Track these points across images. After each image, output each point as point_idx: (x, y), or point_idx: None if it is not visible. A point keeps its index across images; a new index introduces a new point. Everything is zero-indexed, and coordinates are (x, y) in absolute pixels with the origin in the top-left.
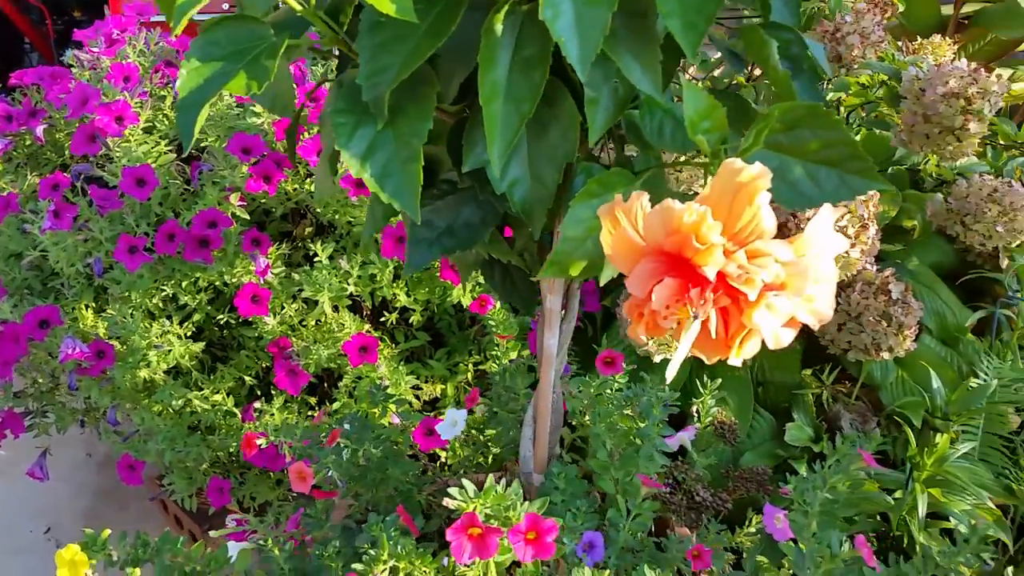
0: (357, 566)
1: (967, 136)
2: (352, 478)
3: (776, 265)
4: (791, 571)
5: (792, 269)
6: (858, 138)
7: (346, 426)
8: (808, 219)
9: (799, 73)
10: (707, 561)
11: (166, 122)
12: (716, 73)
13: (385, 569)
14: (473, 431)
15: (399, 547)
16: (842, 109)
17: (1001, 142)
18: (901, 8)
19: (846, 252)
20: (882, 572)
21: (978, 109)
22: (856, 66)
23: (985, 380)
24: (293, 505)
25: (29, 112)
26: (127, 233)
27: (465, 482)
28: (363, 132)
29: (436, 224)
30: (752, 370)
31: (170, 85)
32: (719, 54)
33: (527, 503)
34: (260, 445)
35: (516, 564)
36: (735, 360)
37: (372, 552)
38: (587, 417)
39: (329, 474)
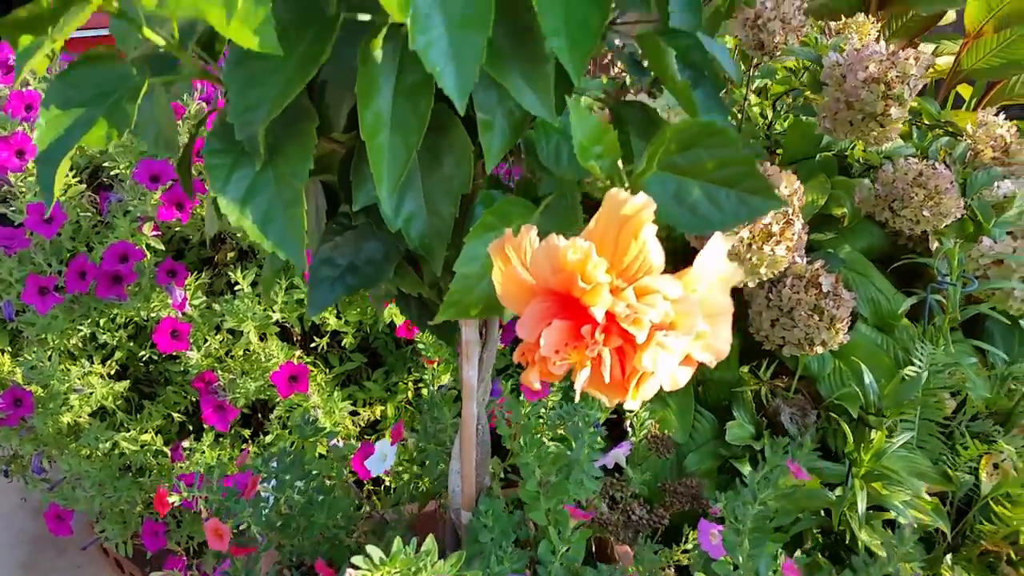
0: None
1: (889, 121)
2: (274, 528)
3: (665, 303)
4: None
5: (681, 307)
6: (786, 124)
7: (273, 464)
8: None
9: (700, 81)
10: None
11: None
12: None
13: None
14: (405, 462)
15: None
16: (768, 96)
17: (926, 122)
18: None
19: (771, 250)
20: None
21: (898, 93)
22: (779, 52)
23: (919, 367)
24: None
25: None
26: (36, 273)
27: (370, 548)
28: (240, 174)
29: (337, 261)
30: None
31: None
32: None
33: (442, 561)
34: (173, 503)
35: None
36: (633, 404)
37: None
38: (516, 437)
39: (249, 527)
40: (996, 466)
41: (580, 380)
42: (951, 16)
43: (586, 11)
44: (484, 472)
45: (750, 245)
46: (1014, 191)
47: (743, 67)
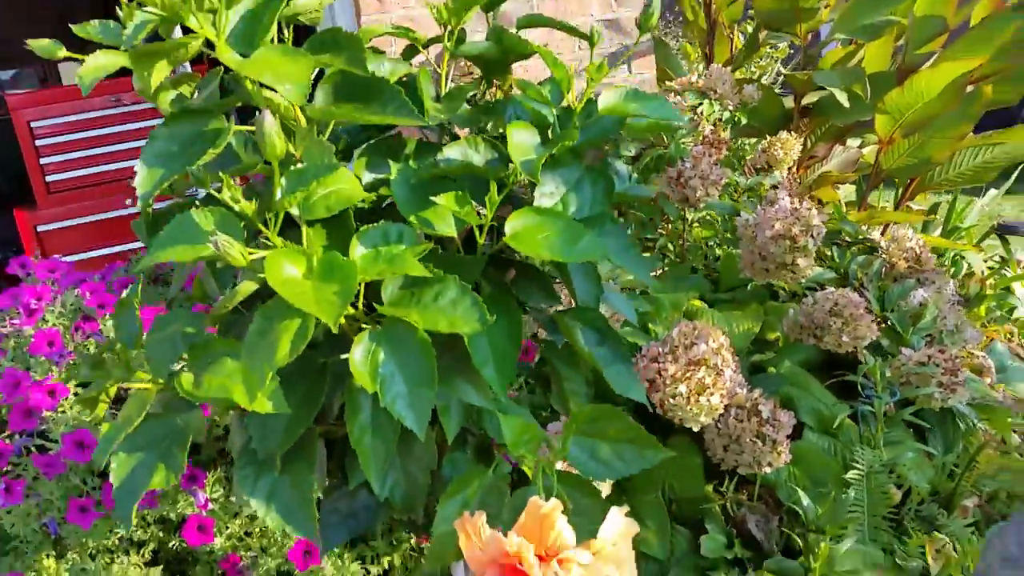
0: None
1: (798, 270)
2: None
3: (578, 568)
4: None
5: (590, 570)
6: (720, 255)
7: None
8: None
9: (605, 340)
10: None
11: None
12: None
13: None
14: None
15: None
16: (695, 235)
17: (846, 239)
18: (744, 122)
19: (707, 400)
20: None
21: (803, 245)
22: (702, 205)
23: (861, 470)
24: None
25: None
26: (74, 495)
27: None
28: (264, 480)
29: (341, 509)
30: (663, 491)
31: (92, 338)
32: None
33: None
34: None
35: None
36: None
37: None
38: None
39: None
40: (938, 551)
41: None
42: None
43: (504, 346)
44: None
45: (688, 399)
46: (927, 298)
47: (680, 209)
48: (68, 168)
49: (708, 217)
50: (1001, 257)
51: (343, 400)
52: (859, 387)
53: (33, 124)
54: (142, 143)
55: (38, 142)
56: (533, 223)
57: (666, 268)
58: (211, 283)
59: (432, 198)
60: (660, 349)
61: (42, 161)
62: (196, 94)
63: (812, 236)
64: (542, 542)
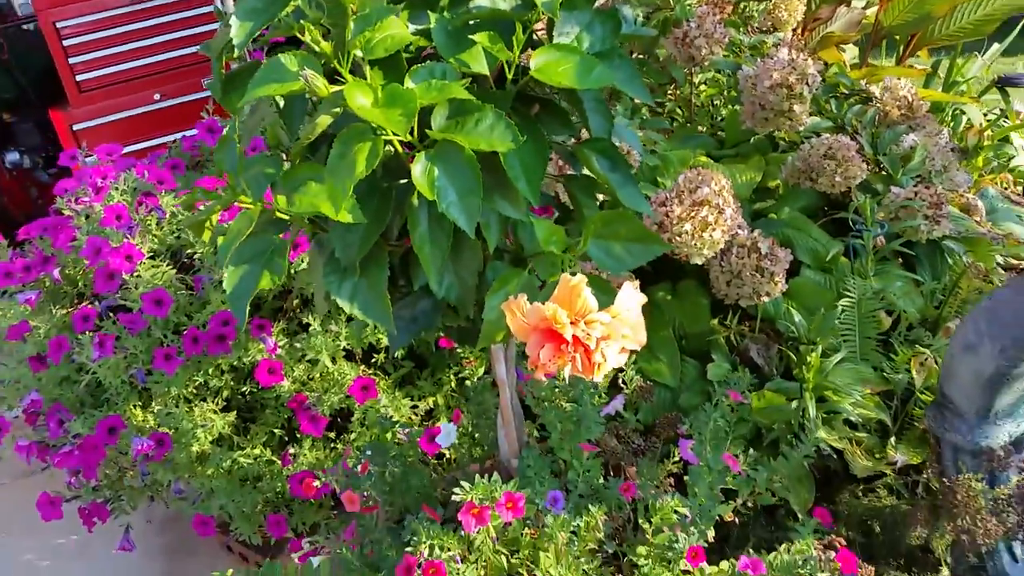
0: (408, 549)
1: (795, 116)
2: (384, 492)
3: (601, 327)
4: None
5: (611, 327)
6: (725, 115)
7: (368, 453)
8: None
9: (616, 167)
10: (633, 491)
11: (155, 241)
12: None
13: (425, 547)
14: (464, 436)
15: (430, 531)
16: (702, 97)
17: (843, 91)
18: None
19: (710, 235)
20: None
21: (799, 93)
22: (707, 63)
23: (852, 298)
24: (339, 521)
25: (43, 260)
26: (158, 346)
27: (463, 482)
28: (346, 284)
29: (404, 316)
30: (673, 328)
31: (153, 211)
32: None
33: (505, 484)
34: (316, 486)
35: (507, 524)
36: (597, 377)
37: (414, 539)
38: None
39: (366, 494)
40: (922, 364)
41: (566, 372)
42: None
43: (533, 163)
44: (522, 432)
45: (692, 235)
46: (917, 142)
47: (686, 72)
48: (97, 66)
49: (714, 78)
50: (1000, 109)
51: (402, 222)
52: (850, 223)
53: (59, 24)
54: (166, 38)
55: (65, 41)
56: (554, 58)
57: (674, 130)
58: (282, 133)
59: (470, 36)
60: (667, 195)
61: (71, 61)
62: None
63: (808, 84)
64: (572, 309)
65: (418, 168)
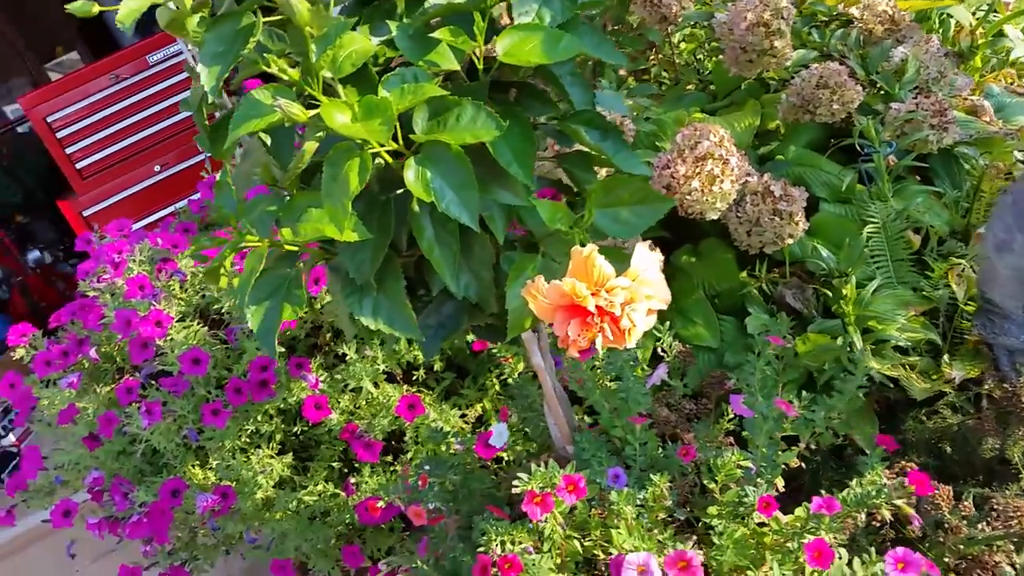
0: (481, 549)
1: (778, 52)
2: (447, 501)
3: (623, 292)
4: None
5: (632, 290)
6: (709, 65)
7: (427, 467)
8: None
9: (607, 135)
10: (693, 454)
11: (182, 304)
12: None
13: (497, 543)
14: (516, 433)
15: (498, 528)
16: (684, 55)
17: (823, 19)
18: None
19: (719, 188)
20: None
21: (776, 28)
22: (680, 19)
23: (875, 223)
24: (411, 539)
25: (77, 343)
26: (202, 403)
27: (520, 474)
28: (367, 301)
29: (430, 323)
30: (704, 289)
31: (174, 276)
32: None
33: (562, 469)
34: (380, 506)
35: (572, 508)
36: (630, 344)
37: (485, 538)
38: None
39: (432, 506)
40: (960, 275)
41: (598, 344)
42: None
43: (522, 145)
44: (571, 417)
45: (702, 191)
46: (907, 54)
47: (663, 32)
48: (93, 151)
49: (691, 33)
50: (988, 4)
51: (408, 231)
52: (857, 147)
53: (49, 119)
54: (146, 113)
55: (58, 133)
56: (518, 39)
57: (664, 93)
58: (275, 169)
59: (432, 35)
60: (669, 157)
61: (68, 151)
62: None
63: (783, 18)
64: (590, 280)
65: (410, 173)
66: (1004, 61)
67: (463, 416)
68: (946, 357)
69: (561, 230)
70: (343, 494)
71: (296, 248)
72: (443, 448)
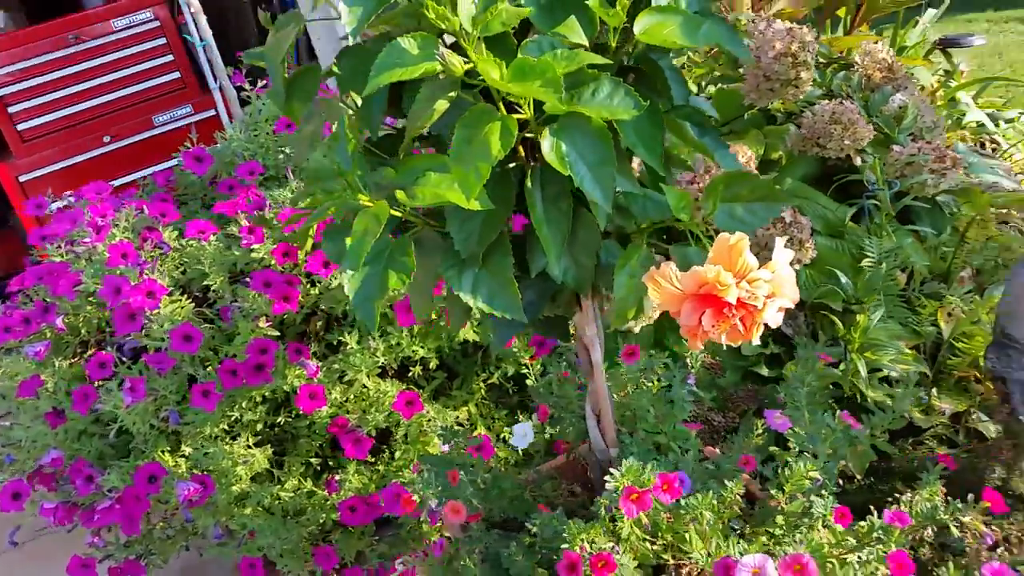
0: (564, 546)
1: (802, 83)
2: (482, 500)
3: (766, 284)
4: (799, 449)
5: (774, 283)
6: (712, 91)
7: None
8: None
9: (706, 133)
10: (753, 463)
11: (166, 278)
12: None
13: (584, 542)
14: (538, 435)
15: (577, 528)
16: (693, 78)
17: (822, 61)
18: None
19: None
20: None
21: (803, 60)
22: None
23: (873, 258)
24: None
25: (43, 309)
26: (185, 384)
27: (612, 470)
28: (467, 274)
29: None
30: None
31: (158, 247)
32: None
33: (648, 468)
34: (416, 500)
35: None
36: (755, 340)
37: (567, 535)
38: (625, 395)
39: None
40: (950, 314)
41: (724, 337)
42: None
43: (651, 130)
44: (614, 420)
45: None
46: (906, 101)
47: None
48: (38, 114)
49: (694, 60)
50: (945, 70)
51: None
52: (864, 183)
53: None
54: (108, 78)
55: (2, 91)
56: (656, 21)
57: None
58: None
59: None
60: (694, 174)
61: (10, 110)
62: None
63: (808, 51)
64: (732, 268)
65: (546, 144)
66: (957, 123)
67: (456, 418)
68: (934, 390)
69: (684, 216)
70: (322, 493)
71: (399, 214)
72: (449, 448)
